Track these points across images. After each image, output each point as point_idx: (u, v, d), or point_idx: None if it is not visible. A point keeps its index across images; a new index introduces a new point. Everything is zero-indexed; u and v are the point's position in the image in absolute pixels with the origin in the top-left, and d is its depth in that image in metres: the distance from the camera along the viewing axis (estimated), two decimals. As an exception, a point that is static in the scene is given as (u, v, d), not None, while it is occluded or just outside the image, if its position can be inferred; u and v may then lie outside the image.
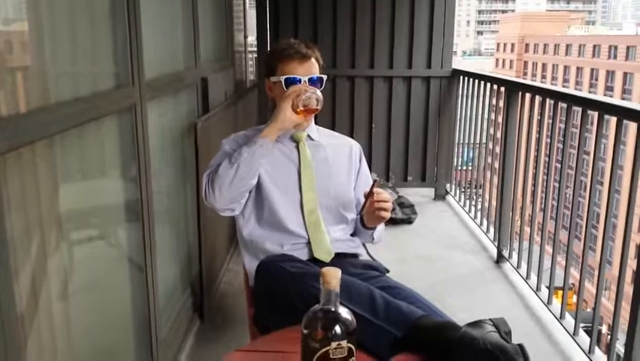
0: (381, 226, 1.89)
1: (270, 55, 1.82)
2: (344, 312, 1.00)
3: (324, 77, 1.79)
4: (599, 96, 2.51)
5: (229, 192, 1.67)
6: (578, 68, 40.79)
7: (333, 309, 0.98)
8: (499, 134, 3.45)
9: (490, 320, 1.32)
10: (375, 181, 1.71)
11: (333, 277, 0.97)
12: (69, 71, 1.45)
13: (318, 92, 1.69)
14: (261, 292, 1.67)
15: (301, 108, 1.67)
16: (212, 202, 1.70)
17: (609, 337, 2.16)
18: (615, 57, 36.63)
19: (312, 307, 1.01)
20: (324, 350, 0.98)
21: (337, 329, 0.98)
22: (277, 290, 1.56)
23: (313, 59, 1.77)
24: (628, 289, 2.06)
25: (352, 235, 1.91)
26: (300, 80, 1.73)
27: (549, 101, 2.71)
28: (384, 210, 1.67)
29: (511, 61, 52.83)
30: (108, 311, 1.69)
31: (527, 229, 3.09)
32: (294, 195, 1.79)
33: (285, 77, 1.73)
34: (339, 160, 1.90)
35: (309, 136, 1.87)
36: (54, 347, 1.32)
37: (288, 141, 1.86)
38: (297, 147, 1.85)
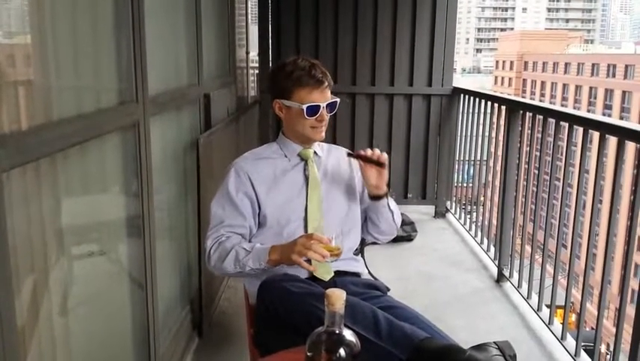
0: (393, 204, 1.91)
1: (282, 76, 1.79)
2: (348, 334, 0.99)
3: (338, 100, 1.83)
4: (601, 116, 2.52)
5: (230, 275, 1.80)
6: (576, 87, 40.99)
7: (337, 331, 0.97)
8: (499, 152, 3.46)
9: (494, 343, 1.31)
10: (349, 154, 1.83)
11: (338, 298, 0.96)
12: (73, 88, 1.45)
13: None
14: (263, 312, 1.66)
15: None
16: (212, 272, 1.87)
17: (608, 356, 2.14)
18: (614, 76, 36.84)
19: (316, 329, 1.00)
20: (327, 372, 0.97)
21: (342, 351, 0.97)
22: (279, 310, 1.55)
23: (327, 83, 1.79)
24: (627, 308, 2.06)
25: (366, 232, 1.97)
26: (319, 107, 1.76)
27: (550, 121, 2.72)
28: (379, 160, 1.75)
29: (510, 79, 53.09)
30: (108, 327, 1.68)
31: (528, 248, 3.07)
32: (299, 214, 1.79)
33: (306, 105, 1.75)
34: (339, 171, 1.92)
35: (315, 153, 1.89)
36: (54, 361, 1.31)
37: (294, 158, 1.87)
38: (304, 165, 1.86)
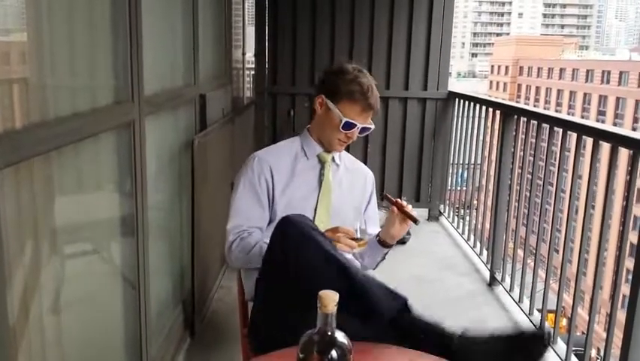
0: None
1: (340, 80, 1.81)
2: (340, 336, 0.99)
3: (373, 127, 1.86)
4: (595, 123, 2.54)
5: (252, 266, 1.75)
6: (571, 92, 41.14)
7: (329, 333, 0.98)
8: (493, 156, 3.47)
9: None
10: (386, 196, 1.81)
11: (331, 300, 0.96)
12: (68, 86, 1.45)
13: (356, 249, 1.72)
14: (268, 260, 1.60)
15: None
16: (232, 266, 1.88)
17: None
18: (608, 82, 36.99)
19: (307, 331, 1.00)
20: (319, 374, 0.97)
21: (333, 353, 0.97)
22: (304, 249, 1.49)
23: (374, 110, 1.82)
24: (618, 313, 2.07)
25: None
26: (355, 126, 1.79)
27: (544, 126, 2.73)
28: (412, 215, 1.74)
29: (505, 83, 53.24)
30: (99, 327, 1.68)
31: (520, 252, 3.08)
32: (307, 215, 1.80)
33: (345, 120, 1.78)
34: (354, 187, 1.95)
35: (332, 158, 1.91)
36: (45, 361, 1.30)
37: (313, 159, 1.89)
38: (321, 169, 1.88)
